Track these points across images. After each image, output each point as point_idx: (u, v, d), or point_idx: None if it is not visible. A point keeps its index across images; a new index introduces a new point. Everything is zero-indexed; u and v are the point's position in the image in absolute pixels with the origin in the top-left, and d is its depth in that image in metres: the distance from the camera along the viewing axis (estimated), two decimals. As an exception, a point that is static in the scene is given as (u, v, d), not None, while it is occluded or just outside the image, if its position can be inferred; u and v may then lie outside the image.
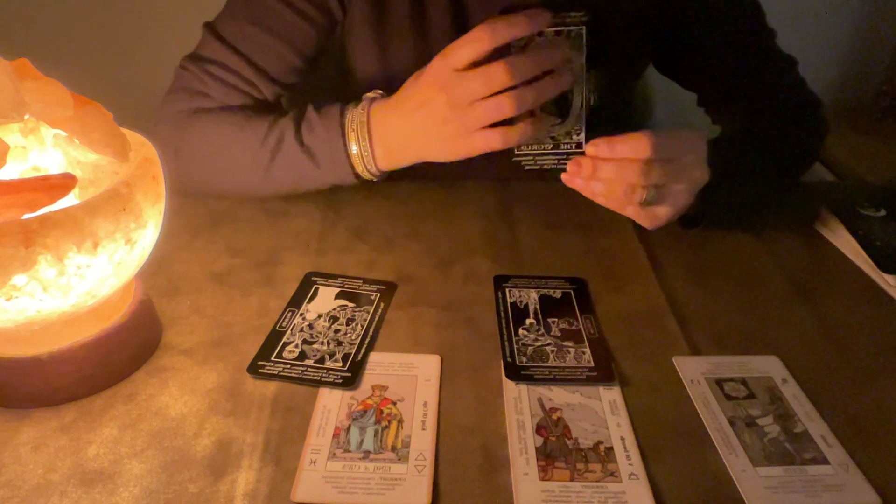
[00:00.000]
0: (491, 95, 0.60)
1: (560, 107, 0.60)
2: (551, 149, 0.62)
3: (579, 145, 0.61)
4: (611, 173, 0.60)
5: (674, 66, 0.86)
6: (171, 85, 0.78)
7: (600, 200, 0.63)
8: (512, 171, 0.64)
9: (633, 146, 0.58)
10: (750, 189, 0.74)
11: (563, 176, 0.62)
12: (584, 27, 0.58)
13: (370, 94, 0.71)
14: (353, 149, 0.68)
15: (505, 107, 0.59)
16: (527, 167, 0.63)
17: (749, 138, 0.77)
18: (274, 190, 0.74)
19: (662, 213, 0.64)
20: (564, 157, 0.62)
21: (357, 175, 0.70)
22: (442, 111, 0.62)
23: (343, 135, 0.68)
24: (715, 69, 0.82)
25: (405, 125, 0.66)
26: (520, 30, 0.58)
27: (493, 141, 0.62)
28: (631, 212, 0.64)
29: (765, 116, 0.80)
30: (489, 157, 0.64)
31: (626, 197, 0.61)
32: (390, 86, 0.79)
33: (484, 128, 0.62)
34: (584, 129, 0.61)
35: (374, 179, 0.71)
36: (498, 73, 0.59)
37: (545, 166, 0.63)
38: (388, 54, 0.78)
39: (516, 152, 0.62)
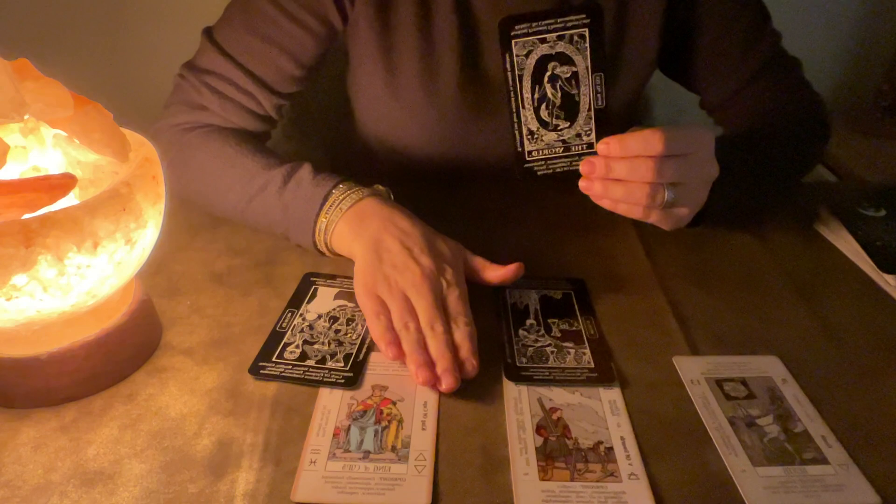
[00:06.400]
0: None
1: (567, 110, 0.60)
2: (562, 152, 0.62)
3: (590, 146, 0.61)
4: (624, 172, 0.59)
5: (678, 68, 0.86)
6: (170, 95, 0.77)
7: (622, 209, 0.62)
8: (524, 177, 0.62)
9: (645, 143, 0.58)
10: (752, 187, 0.74)
11: (581, 183, 0.61)
12: (586, 29, 0.58)
13: (380, 188, 0.69)
14: (323, 223, 0.65)
15: (406, 343, 0.55)
16: (539, 173, 0.62)
17: (753, 138, 0.76)
18: (250, 226, 0.72)
19: (684, 213, 0.63)
20: (576, 158, 0.61)
21: (315, 245, 0.67)
22: (383, 257, 0.60)
23: (322, 204, 0.65)
24: (720, 71, 0.82)
25: (364, 233, 0.62)
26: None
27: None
28: (655, 217, 0.63)
29: (769, 118, 0.80)
30: (500, 164, 0.62)
31: (650, 200, 0.59)
32: (395, 92, 0.79)
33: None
34: (594, 129, 0.60)
35: (327, 255, 0.68)
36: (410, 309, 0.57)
37: (557, 170, 0.62)
38: (393, 61, 0.77)
39: (527, 158, 0.62)
